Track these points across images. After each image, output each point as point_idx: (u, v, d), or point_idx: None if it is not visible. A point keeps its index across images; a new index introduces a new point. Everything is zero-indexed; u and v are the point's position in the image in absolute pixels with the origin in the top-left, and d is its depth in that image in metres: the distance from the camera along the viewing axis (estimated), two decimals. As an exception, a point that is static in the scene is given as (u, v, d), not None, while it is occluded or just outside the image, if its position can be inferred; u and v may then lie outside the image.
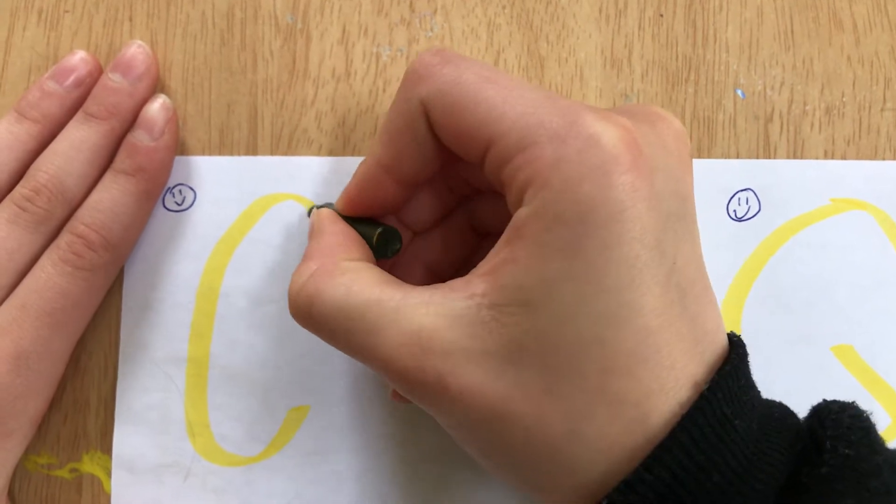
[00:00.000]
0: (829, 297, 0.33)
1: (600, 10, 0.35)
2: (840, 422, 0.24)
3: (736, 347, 0.25)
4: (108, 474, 0.32)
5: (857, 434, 0.24)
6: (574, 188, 0.22)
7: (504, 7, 0.35)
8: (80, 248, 0.30)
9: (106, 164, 0.32)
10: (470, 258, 0.31)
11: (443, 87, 0.25)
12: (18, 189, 0.31)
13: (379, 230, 0.28)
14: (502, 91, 0.24)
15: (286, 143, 0.34)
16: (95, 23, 0.34)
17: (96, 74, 0.33)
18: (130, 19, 0.34)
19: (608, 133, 0.22)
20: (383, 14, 0.35)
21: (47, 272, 0.30)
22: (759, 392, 0.25)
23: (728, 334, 0.26)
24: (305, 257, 0.27)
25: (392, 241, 0.29)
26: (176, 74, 0.34)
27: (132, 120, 0.32)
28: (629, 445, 0.23)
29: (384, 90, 0.34)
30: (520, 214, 0.23)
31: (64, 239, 0.31)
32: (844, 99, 0.35)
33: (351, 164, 0.33)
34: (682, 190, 0.25)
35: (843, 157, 0.34)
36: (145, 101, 0.33)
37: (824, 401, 0.26)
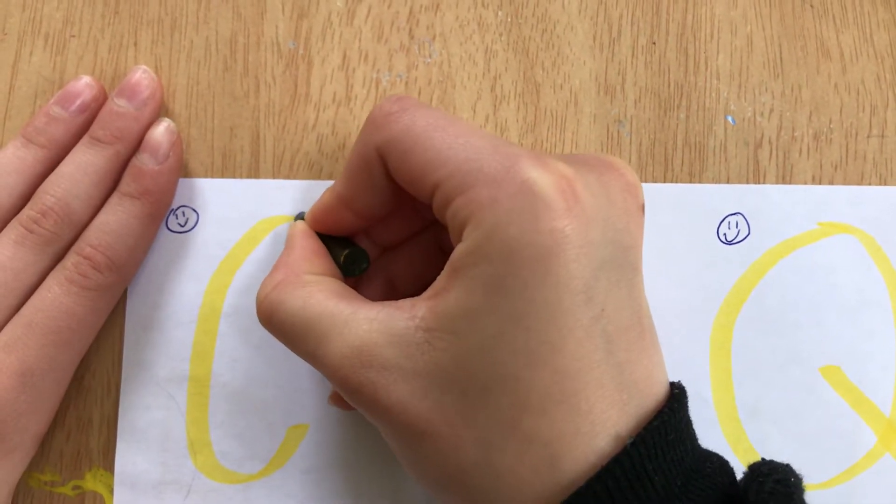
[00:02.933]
0: (816, 319, 0.34)
1: (594, 38, 0.36)
2: (763, 486, 0.24)
3: (673, 400, 0.25)
4: (111, 491, 0.33)
5: (779, 499, 0.24)
6: (503, 229, 0.23)
7: (501, 34, 0.36)
8: (86, 268, 0.31)
9: (111, 186, 0.33)
10: (436, 275, 0.32)
11: (396, 134, 0.26)
12: (26, 211, 0.32)
13: (346, 252, 0.30)
14: (449, 138, 0.25)
15: (288, 166, 0.35)
16: (101, 48, 0.35)
17: (101, 99, 0.34)
18: (135, 44, 0.35)
19: (543, 179, 0.24)
20: (383, 41, 0.35)
21: (53, 292, 0.31)
22: (695, 445, 0.26)
23: (672, 384, 0.26)
24: (274, 268, 0.29)
25: (359, 261, 0.30)
26: (180, 99, 0.35)
27: (137, 143, 0.33)
28: (538, 486, 0.23)
29: (383, 115, 0.35)
30: (458, 250, 0.25)
31: (70, 260, 0.31)
32: (832, 125, 0.36)
33: (351, 187, 0.34)
34: (624, 240, 0.25)
35: (831, 182, 0.35)
36: (150, 125, 0.33)
37: (761, 460, 0.26)
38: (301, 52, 0.35)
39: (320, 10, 0.35)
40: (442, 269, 0.31)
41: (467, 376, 0.24)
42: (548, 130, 0.35)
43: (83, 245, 0.32)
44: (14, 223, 0.32)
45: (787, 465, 0.26)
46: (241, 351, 0.33)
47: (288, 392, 0.33)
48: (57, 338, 0.31)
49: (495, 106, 0.35)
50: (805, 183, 0.35)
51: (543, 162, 0.24)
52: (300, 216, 0.33)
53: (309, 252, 0.30)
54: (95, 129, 0.33)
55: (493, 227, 0.24)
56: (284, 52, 0.35)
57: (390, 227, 0.32)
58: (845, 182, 0.35)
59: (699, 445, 0.26)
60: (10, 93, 0.35)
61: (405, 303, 0.26)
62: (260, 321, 0.28)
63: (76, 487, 0.33)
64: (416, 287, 0.32)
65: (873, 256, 0.35)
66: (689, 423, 0.26)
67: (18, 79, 0.35)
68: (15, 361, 0.30)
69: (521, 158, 0.24)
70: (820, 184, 0.35)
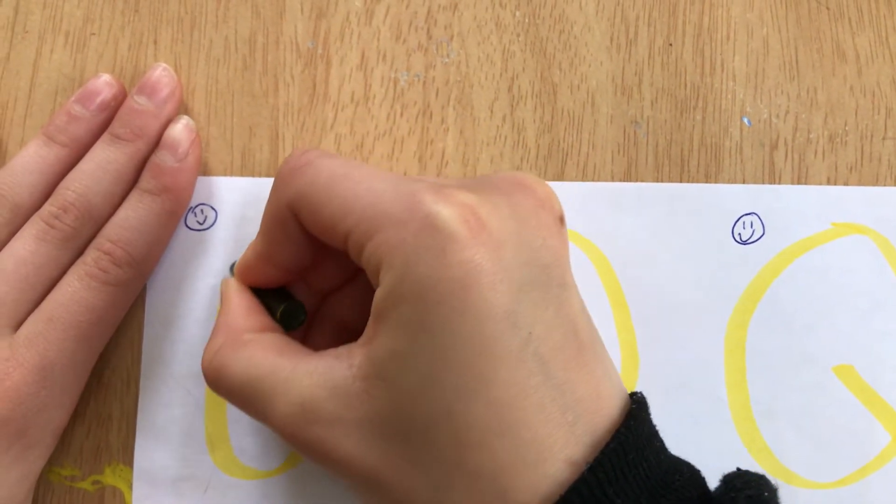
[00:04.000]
0: (830, 319, 0.34)
1: (611, 39, 0.36)
2: (736, 500, 0.24)
3: (630, 417, 0.24)
4: (130, 486, 0.33)
5: None
6: (413, 268, 0.23)
7: (518, 35, 0.36)
8: (106, 263, 0.31)
9: (131, 183, 0.33)
10: None
11: (303, 188, 0.26)
12: (47, 207, 0.32)
13: (281, 307, 0.30)
14: (353, 186, 0.25)
15: (306, 165, 0.35)
16: (121, 46, 0.35)
17: (121, 97, 0.34)
18: (155, 42, 0.35)
19: (444, 213, 0.24)
20: (401, 41, 0.36)
21: (74, 286, 0.31)
22: (661, 459, 0.25)
23: (631, 395, 0.26)
24: (214, 330, 0.29)
25: (295, 314, 0.30)
26: (199, 98, 0.35)
27: (157, 141, 0.33)
28: None
29: (401, 114, 0.35)
30: (377, 294, 0.25)
31: (90, 255, 0.32)
32: (847, 128, 0.36)
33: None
34: (542, 258, 0.25)
35: (846, 184, 0.35)
36: (170, 122, 0.34)
37: (735, 471, 0.26)
38: (320, 51, 0.36)
39: (339, 9, 0.36)
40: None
41: (406, 420, 0.24)
42: (565, 131, 0.35)
43: (103, 240, 0.32)
44: (35, 219, 0.32)
45: (762, 477, 0.25)
46: (259, 348, 0.34)
47: (306, 389, 0.33)
48: (77, 332, 0.31)
49: (512, 106, 0.35)
50: (820, 184, 0.35)
51: (444, 194, 0.24)
52: (233, 268, 0.32)
53: (244, 310, 0.30)
54: (116, 126, 0.33)
55: (404, 267, 0.24)
56: (303, 52, 0.36)
57: (325, 273, 0.31)
58: (860, 184, 0.35)
59: (668, 455, 0.25)
60: (30, 90, 0.35)
61: (343, 351, 0.26)
62: (208, 386, 0.28)
63: (96, 482, 0.33)
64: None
65: (887, 256, 0.35)
66: (652, 435, 0.25)
67: (39, 76, 0.35)
68: (35, 356, 0.30)
69: (421, 194, 0.24)
70: (835, 185, 0.35)
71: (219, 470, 0.33)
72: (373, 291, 0.28)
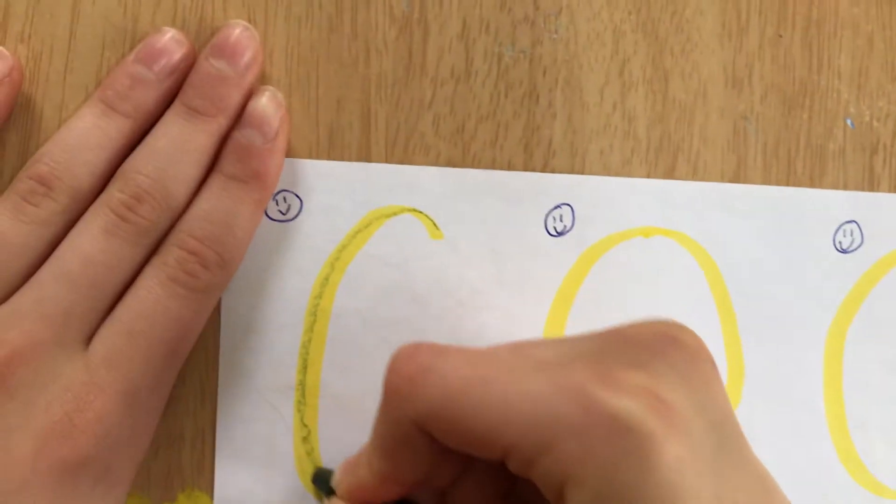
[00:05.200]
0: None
1: (723, 26, 0.34)
2: None
3: None
4: (207, 514, 0.29)
5: None
6: (614, 482, 0.20)
7: (630, 13, 0.33)
8: (194, 266, 0.27)
9: (210, 166, 0.28)
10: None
11: (433, 404, 0.22)
12: (115, 194, 0.26)
13: None
14: (499, 393, 0.21)
15: (402, 149, 0.31)
16: (182, -8, 0.29)
17: (191, 59, 0.28)
18: (222, -9, 0.30)
19: (630, 408, 0.20)
20: (506, 10, 0.32)
21: (155, 294, 0.26)
22: None
23: None
24: None
25: None
26: (278, 62, 0.30)
27: (237, 115, 0.28)
28: None
29: (506, 95, 0.32)
30: None
31: (172, 255, 0.27)
32: (943, 135, 0.36)
33: (472, 179, 0.31)
34: (716, 417, 0.22)
35: (938, 193, 0.35)
36: (251, 93, 0.29)
37: None
38: (416, 16, 0.31)
39: (439, -32, 0.31)
40: (505, 482, 0.26)
41: None
42: (675, 123, 0.33)
43: (186, 238, 0.27)
44: (101, 208, 0.26)
45: None
46: (352, 356, 0.30)
47: (404, 402, 0.30)
48: (164, 349, 0.26)
49: (623, 93, 0.33)
50: (914, 192, 0.35)
51: (614, 382, 0.21)
52: (322, 482, 0.28)
53: None
54: (191, 96, 0.28)
55: (603, 482, 0.20)
56: (398, 15, 0.31)
57: (446, 472, 0.26)
58: (949, 192, 0.35)
59: None
60: (70, 40, 0.29)
61: None
62: None
63: (167, 511, 0.29)
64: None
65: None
66: None
67: (80, 24, 0.29)
68: (118, 379, 0.25)
69: (589, 388, 0.21)
70: (928, 194, 0.35)
71: (311, 497, 0.29)
72: (496, 478, 0.25)
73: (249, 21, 0.30)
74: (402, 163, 0.31)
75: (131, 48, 0.29)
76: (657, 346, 0.23)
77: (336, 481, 0.26)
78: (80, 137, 0.27)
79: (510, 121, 0.32)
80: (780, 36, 0.34)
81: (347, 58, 0.30)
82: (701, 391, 0.22)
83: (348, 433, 0.30)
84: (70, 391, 0.25)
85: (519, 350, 0.24)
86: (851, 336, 0.34)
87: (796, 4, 0.34)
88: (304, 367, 0.29)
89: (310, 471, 0.29)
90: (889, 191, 0.35)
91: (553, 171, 0.32)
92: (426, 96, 0.31)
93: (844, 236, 0.34)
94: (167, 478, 0.29)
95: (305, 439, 0.29)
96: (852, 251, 0.34)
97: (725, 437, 0.22)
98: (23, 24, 0.28)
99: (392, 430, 0.23)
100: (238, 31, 0.28)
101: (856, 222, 0.34)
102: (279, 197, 0.30)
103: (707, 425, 0.22)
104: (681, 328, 0.24)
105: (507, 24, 0.32)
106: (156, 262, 0.27)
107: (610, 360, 0.22)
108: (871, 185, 0.35)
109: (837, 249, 0.34)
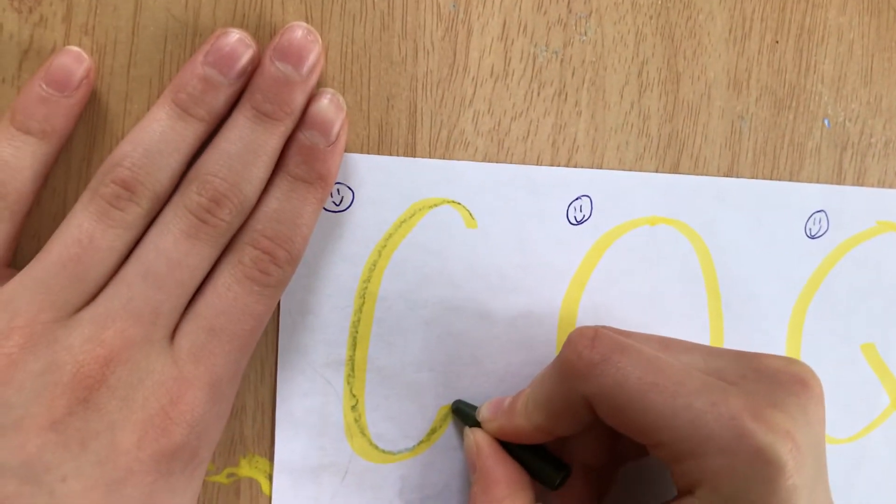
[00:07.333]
0: (866, 304, 0.40)
1: (730, 31, 0.37)
2: None
3: None
4: (267, 477, 0.32)
5: None
6: (742, 496, 0.26)
7: (651, 17, 0.35)
8: (267, 264, 0.29)
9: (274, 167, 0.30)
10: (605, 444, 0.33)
11: (608, 390, 0.28)
12: (193, 197, 0.28)
13: (562, 475, 0.31)
14: (667, 399, 0.27)
15: (444, 145, 0.33)
16: (241, -14, 0.30)
17: (257, 60, 0.29)
18: (279, -15, 0.30)
19: (774, 447, 0.26)
20: (542, 11, 0.34)
21: (234, 291, 0.28)
22: None
23: None
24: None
25: (566, 478, 0.32)
26: (333, 60, 0.31)
27: (300, 116, 0.30)
28: None
29: (538, 93, 0.34)
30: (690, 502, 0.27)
31: (247, 254, 0.28)
32: (902, 136, 0.40)
33: (507, 173, 0.33)
34: (820, 451, 0.28)
35: (892, 187, 0.40)
36: (313, 94, 0.30)
37: None
38: (461, 16, 0.33)
39: (484, -31, 0.32)
40: (610, 437, 0.33)
41: None
42: (683, 121, 0.36)
43: (258, 237, 0.29)
44: (180, 209, 0.28)
45: None
46: (396, 335, 0.33)
47: (440, 374, 0.34)
48: (241, 342, 0.29)
49: (640, 93, 0.35)
50: (873, 186, 0.40)
51: (767, 421, 0.26)
52: (463, 414, 0.33)
53: (504, 478, 0.31)
54: (259, 99, 0.29)
55: (733, 493, 0.26)
56: (444, 15, 0.32)
57: (574, 425, 0.32)
58: (899, 186, 0.41)
59: None
60: (133, 33, 0.29)
61: None
62: None
63: (231, 475, 0.32)
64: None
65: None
66: None
67: (143, 16, 0.29)
68: (204, 372, 0.28)
69: (744, 420, 0.26)
70: (884, 187, 0.40)
71: (357, 456, 0.33)
72: (610, 435, 0.31)
73: (306, 17, 0.31)
74: (443, 157, 0.33)
75: (193, 41, 0.30)
76: (793, 388, 0.28)
77: (484, 418, 0.32)
78: (158, 142, 0.28)
79: (541, 118, 0.34)
80: (777, 42, 0.37)
81: (397, 56, 0.32)
82: (817, 432, 0.28)
83: (389, 401, 0.33)
84: (163, 386, 0.27)
85: (670, 348, 0.30)
86: (811, 312, 0.39)
87: (793, 12, 0.38)
88: (354, 345, 0.32)
89: (356, 434, 0.33)
90: (853, 184, 0.40)
91: (576, 166, 0.35)
92: (468, 94, 0.33)
93: (814, 224, 0.39)
94: (231, 446, 0.32)
95: (354, 408, 0.33)
96: (819, 237, 0.39)
97: (820, 469, 0.28)
98: (87, 16, 0.29)
99: (564, 397, 0.29)
100: (301, 34, 0.29)
101: (824, 211, 0.39)
102: (334, 189, 0.31)
103: (814, 460, 0.27)
104: (811, 374, 0.29)
105: (542, 25, 0.34)
106: (232, 259, 0.29)
107: (759, 397, 0.27)
108: (839, 178, 0.39)
109: (807, 236, 0.39)
